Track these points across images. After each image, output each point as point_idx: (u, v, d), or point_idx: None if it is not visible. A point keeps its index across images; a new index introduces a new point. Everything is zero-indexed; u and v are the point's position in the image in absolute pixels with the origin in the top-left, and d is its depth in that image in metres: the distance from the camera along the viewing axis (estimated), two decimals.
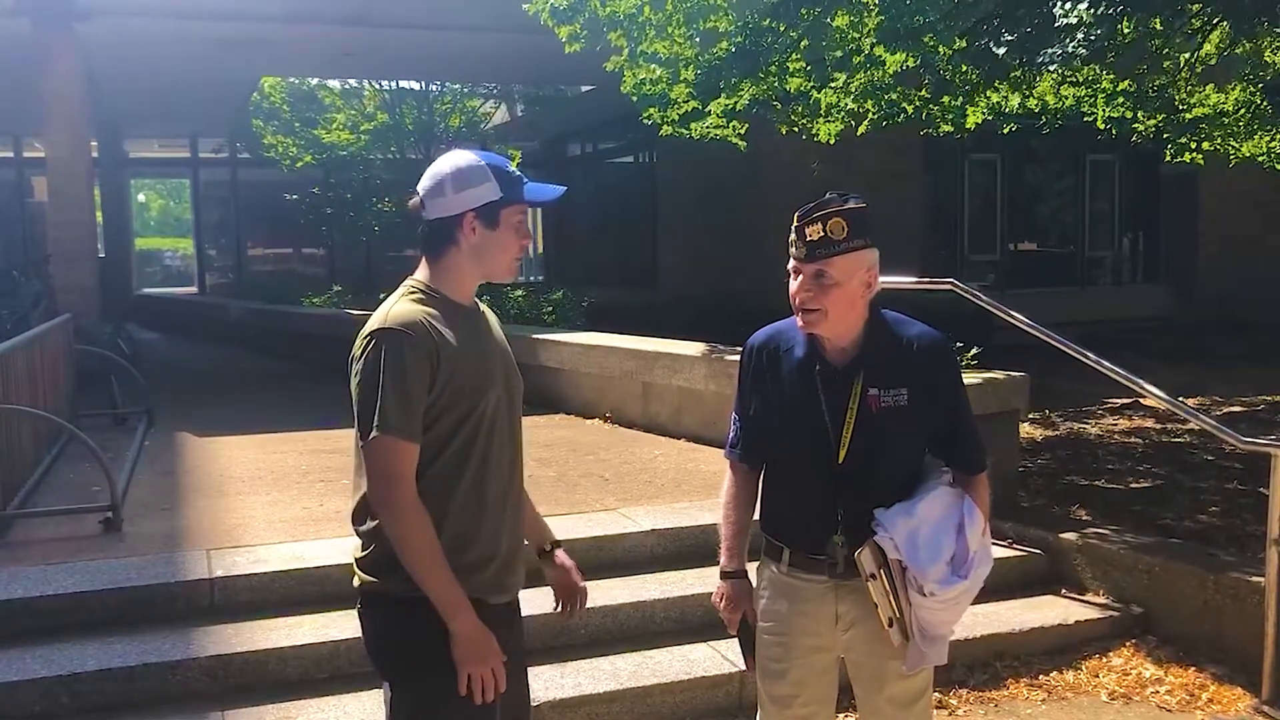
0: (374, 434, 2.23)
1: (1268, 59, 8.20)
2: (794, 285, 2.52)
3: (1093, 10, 5.87)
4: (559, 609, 2.72)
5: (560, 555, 2.69)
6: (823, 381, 2.54)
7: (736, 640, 2.76)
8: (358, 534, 2.38)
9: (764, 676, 2.71)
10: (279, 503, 5.74)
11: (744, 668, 2.78)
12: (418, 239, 2.43)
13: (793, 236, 2.51)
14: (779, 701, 2.68)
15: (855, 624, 2.58)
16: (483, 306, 2.52)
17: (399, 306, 2.33)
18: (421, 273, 2.41)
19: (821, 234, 2.45)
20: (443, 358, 2.28)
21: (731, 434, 2.75)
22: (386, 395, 2.23)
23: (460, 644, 2.25)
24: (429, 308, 2.33)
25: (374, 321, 2.32)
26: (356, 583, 2.39)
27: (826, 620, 2.60)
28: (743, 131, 8.04)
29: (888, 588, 2.46)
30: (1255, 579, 4.31)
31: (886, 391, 2.52)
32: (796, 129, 8.25)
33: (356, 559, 2.39)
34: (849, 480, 2.52)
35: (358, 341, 2.31)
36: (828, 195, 2.50)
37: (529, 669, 4.00)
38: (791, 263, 2.52)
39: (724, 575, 2.72)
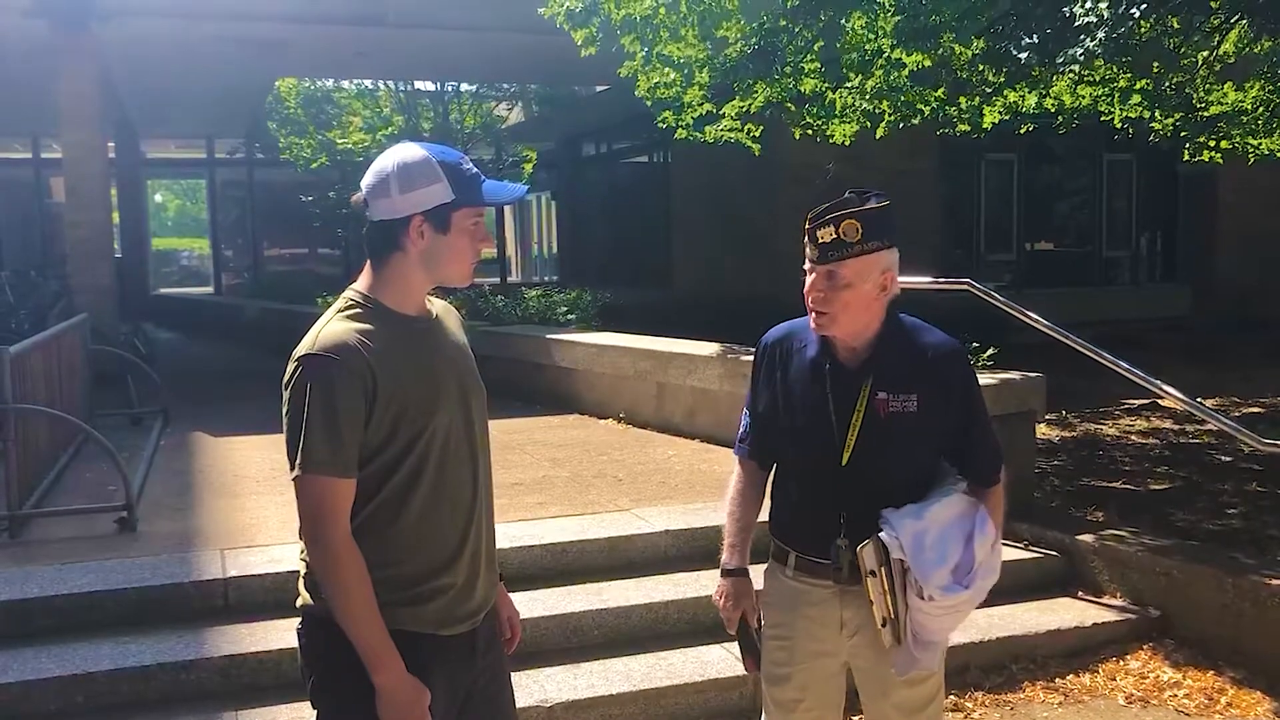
0: (296, 473, 2.06)
1: None
2: (807, 284, 2.47)
3: (1112, 9, 5.80)
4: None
5: (501, 587, 2.45)
6: (832, 382, 2.50)
7: (736, 640, 2.71)
8: (300, 557, 2.20)
9: (769, 680, 2.68)
10: (293, 503, 5.72)
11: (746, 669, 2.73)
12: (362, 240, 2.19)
13: (805, 237, 2.46)
14: (784, 706, 2.65)
15: (860, 629, 2.54)
16: (437, 310, 2.28)
17: (331, 327, 2.09)
18: (364, 280, 2.17)
19: (834, 236, 2.38)
20: (380, 383, 2.05)
21: (741, 430, 2.71)
22: (312, 429, 2.02)
23: (384, 700, 2.06)
24: (365, 324, 2.09)
25: (303, 345, 2.08)
26: (299, 602, 2.21)
27: (832, 625, 2.57)
28: (757, 134, 8.02)
29: (886, 587, 2.40)
30: (1275, 582, 4.27)
31: (895, 396, 2.46)
32: (810, 132, 8.21)
33: (301, 576, 2.21)
34: (852, 483, 2.47)
35: (288, 366, 2.09)
36: (847, 194, 2.43)
37: (542, 670, 4.06)
38: (806, 262, 2.47)
39: (725, 572, 2.66)
